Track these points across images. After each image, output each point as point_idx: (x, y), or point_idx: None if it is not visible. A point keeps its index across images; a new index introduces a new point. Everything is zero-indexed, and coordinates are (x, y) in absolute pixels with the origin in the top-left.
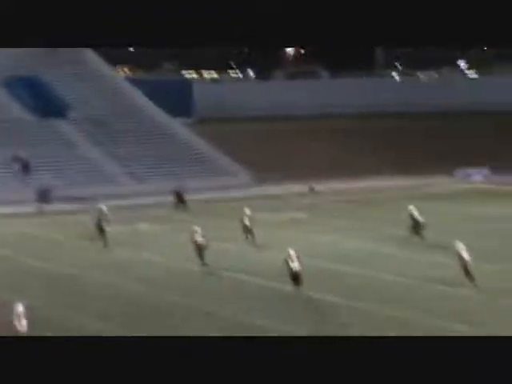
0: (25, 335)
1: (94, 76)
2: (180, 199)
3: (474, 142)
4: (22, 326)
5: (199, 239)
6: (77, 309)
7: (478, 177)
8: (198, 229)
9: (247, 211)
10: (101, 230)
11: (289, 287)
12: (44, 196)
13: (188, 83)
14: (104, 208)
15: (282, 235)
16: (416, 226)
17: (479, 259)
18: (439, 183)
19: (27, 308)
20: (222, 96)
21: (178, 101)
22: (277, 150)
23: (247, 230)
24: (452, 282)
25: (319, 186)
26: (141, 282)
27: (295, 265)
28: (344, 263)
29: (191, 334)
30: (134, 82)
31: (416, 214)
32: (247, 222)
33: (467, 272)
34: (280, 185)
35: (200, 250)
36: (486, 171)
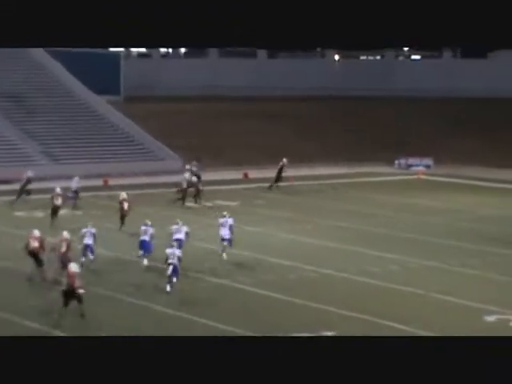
0: (24, 335)
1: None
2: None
3: (417, 130)
4: None
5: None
6: None
7: (419, 167)
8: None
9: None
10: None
11: None
12: None
13: (116, 58)
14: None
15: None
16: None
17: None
18: (378, 173)
19: None
20: (151, 73)
21: (105, 76)
22: (208, 134)
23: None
24: None
25: (253, 173)
26: None
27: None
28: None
29: None
30: (56, 54)
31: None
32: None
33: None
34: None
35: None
36: (428, 161)
